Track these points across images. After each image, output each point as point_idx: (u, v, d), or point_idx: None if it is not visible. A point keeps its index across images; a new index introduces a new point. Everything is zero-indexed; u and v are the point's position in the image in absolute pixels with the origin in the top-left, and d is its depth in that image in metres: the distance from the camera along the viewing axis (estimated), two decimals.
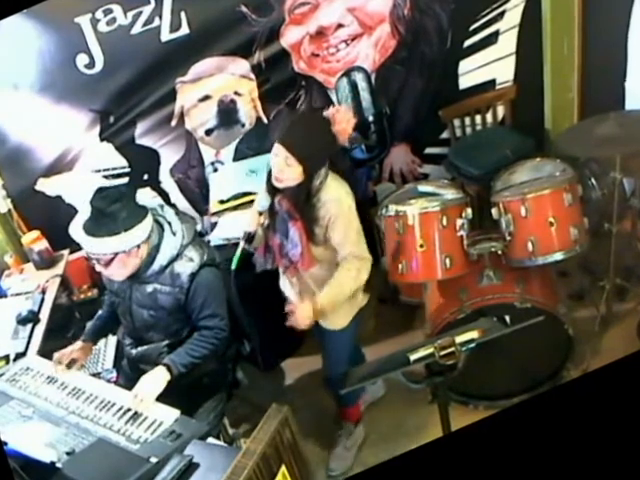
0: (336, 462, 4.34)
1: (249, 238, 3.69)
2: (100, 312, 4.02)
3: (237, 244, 3.72)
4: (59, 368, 3.62)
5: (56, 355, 3.71)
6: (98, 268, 3.54)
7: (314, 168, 3.50)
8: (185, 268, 3.54)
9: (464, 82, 5.20)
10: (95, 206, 3.38)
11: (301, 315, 3.63)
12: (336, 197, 3.55)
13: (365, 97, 5.11)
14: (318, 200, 3.54)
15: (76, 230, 3.44)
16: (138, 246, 3.44)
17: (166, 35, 4.55)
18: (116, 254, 3.41)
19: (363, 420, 4.44)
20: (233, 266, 3.59)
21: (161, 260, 3.53)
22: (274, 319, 3.94)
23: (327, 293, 3.64)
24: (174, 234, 3.57)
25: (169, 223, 3.61)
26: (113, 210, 3.35)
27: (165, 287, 3.56)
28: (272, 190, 3.65)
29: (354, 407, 4.37)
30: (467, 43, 5.07)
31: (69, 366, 3.66)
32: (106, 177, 4.88)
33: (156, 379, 3.44)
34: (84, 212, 3.47)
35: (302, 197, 3.54)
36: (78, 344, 3.82)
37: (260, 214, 3.69)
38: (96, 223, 3.38)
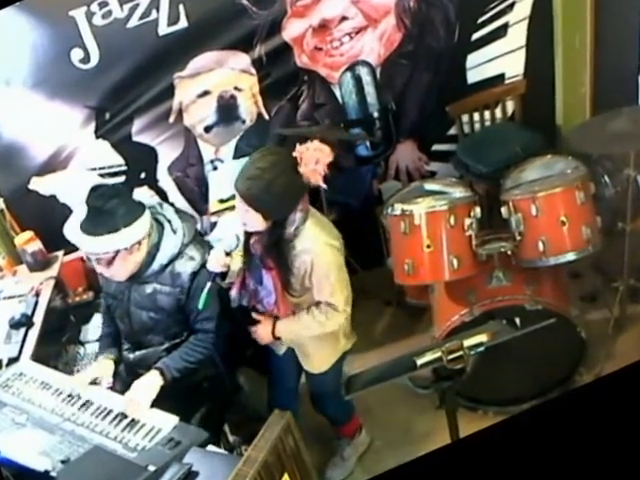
0: (332, 470, 4.39)
1: (221, 275, 3.58)
2: (103, 328, 4.02)
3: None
4: (82, 388, 3.59)
5: (78, 377, 3.72)
6: (99, 269, 3.55)
7: (276, 216, 3.33)
8: (186, 267, 3.55)
9: (472, 76, 5.19)
10: (92, 205, 3.38)
11: (260, 332, 3.69)
12: (312, 248, 3.38)
13: (370, 92, 5.10)
14: (293, 248, 3.39)
15: (74, 231, 3.44)
16: (139, 242, 3.45)
17: (164, 28, 4.54)
18: (117, 252, 3.41)
19: (368, 426, 4.45)
20: (200, 306, 3.45)
21: (161, 259, 3.54)
22: None
23: (287, 325, 3.64)
24: (174, 232, 3.58)
25: (169, 221, 3.62)
26: (111, 207, 3.35)
27: (165, 287, 3.57)
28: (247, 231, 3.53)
29: (349, 425, 4.38)
30: (475, 36, 5.06)
31: (93, 384, 3.65)
32: (102, 175, 4.88)
33: (149, 384, 3.46)
34: (80, 212, 3.47)
35: (273, 244, 3.40)
36: (98, 362, 3.83)
37: (227, 254, 3.53)
38: (94, 222, 3.38)
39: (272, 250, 3.42)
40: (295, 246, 3.39)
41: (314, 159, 3.21)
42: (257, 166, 3.27)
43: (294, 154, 3.25)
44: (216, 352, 3.65)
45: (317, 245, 3.39)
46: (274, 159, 3.29)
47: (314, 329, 3.59)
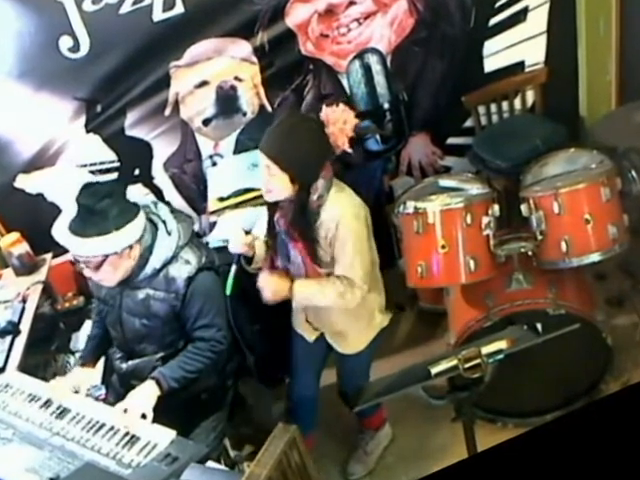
0: (355, 466, 4.44)
1: (247, 259, 3.66)
2: (92, 329, 4.02)
3: None
4: (58, 395, 3.60)
5: (53, 382, 3.72)
6: (87, 273, 3.54)
7: (304, 177, 3.40)
8: (181, 272, 3.54)
9: (490, 64, 5.19)
10: (82, 203, 3.38)
11: (275, 286, 3.61)
12: (337, 215, 3.46)
13: (380, 82, 5.09)
14: (319, 217, 3.48)
15: (61, 231, 3.44)
16: (130, 247, 3.44)
17: (158, 14, 4.53)
18: (107, 256, 3.40)
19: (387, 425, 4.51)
20: (228, 291, 3.51)
21: (155, 263, 3.53)
22: (280, 329, 3.94)
23: (306, 286, 3.63)
24: (169, 234, 3.56)
25: (163, 222, 3.60)
26: (103, 207, 3.35)
27: (159, 293, 3.56)
28: (270, 206, 3.63)
29: (375, 416, 4.40)
30: (493, 21, 5.06)
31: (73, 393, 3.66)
32: (93, 172, 4.89)
33: (145, 394, 3.44)
34: (69, 211, 3.47)
35: (298, 214, 3.48)
36: (78, 369, 3.84)
37: (247, 233, 3.65)
38: (84, 222, 3.38)
39: (298, 221, 3.50)
40: (321, 215, 3.47)
41: (342, 119, 3.38)
42: (283, 126, 3.48)
43: (321, 116, 3.43)
44: (216, 361, 3.64)
45: (342, 212, 3.47)
46: (300, 119, 3.66)
47: (331, 298, 3.59)
